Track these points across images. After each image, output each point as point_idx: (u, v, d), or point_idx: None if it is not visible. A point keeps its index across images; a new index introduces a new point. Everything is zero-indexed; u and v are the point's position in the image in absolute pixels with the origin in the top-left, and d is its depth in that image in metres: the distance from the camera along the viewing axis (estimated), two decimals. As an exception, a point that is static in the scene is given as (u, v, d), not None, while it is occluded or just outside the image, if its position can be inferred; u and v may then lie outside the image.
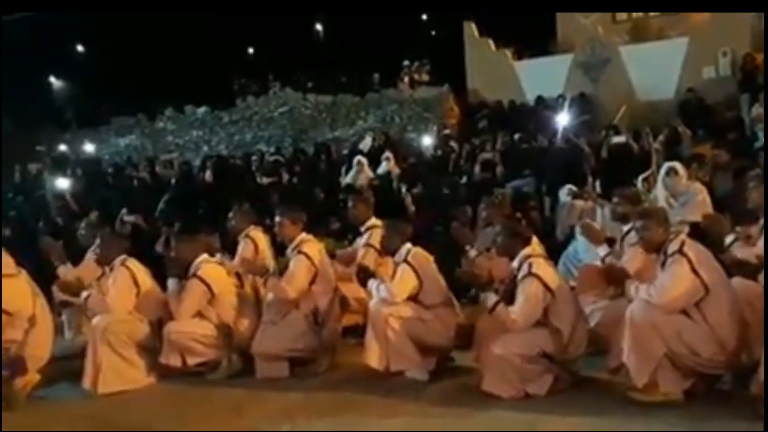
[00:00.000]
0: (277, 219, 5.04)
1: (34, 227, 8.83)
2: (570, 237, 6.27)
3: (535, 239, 4.41)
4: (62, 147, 18.15)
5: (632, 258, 4.22)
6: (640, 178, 7.25)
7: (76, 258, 5.89)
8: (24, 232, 8.18)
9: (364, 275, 4.71)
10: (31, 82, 20.21)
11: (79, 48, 23.58)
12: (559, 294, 4.06)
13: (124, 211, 8.26)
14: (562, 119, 10.45)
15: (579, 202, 7.10)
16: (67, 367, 5.11)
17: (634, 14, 17.22)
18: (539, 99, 14.98)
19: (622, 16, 17.44)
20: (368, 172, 10.11)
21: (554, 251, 5.55)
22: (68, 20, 18.93)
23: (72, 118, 20.55)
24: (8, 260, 4.84)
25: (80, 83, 21.43)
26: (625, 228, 4.62)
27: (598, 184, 8.09)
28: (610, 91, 14.69)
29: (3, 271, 4.62)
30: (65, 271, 5.65)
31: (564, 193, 7.36)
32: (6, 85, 18.09)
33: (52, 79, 22.59)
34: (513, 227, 4.34)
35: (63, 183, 10.32)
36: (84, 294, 4.98)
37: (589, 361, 4.23)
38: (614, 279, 4.19)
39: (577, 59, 15.59)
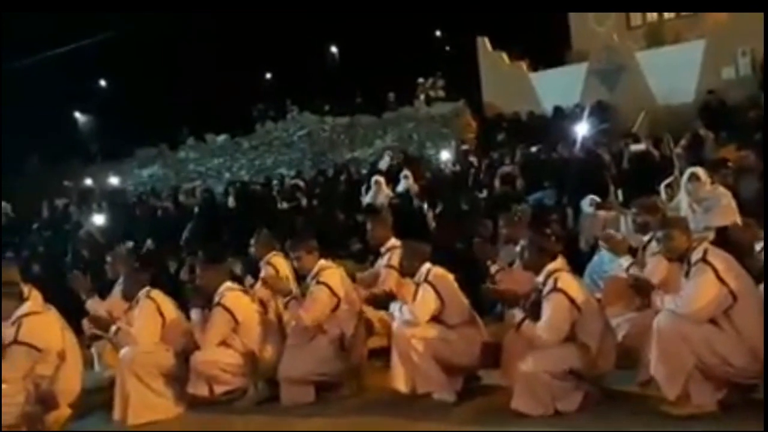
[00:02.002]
0: (292, 254, 5.04)
1: (62, 262, 8.99)
2: (594, 248, 6.20)
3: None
4: (88, 181, 18.54)
5: (655, 268, 4.15)
6: (663, 184, 7.16)
7: (104, 291, 5.99)
8: (53, 267, 8.33)
9: (381, 301, 4.69)
10: (57, 118, 20.73)
11: (102, 83, 24.14)
12: (586, 308, 4.00)
13: (149, 242, 8.38)
14: (581, 129, 10.41)
15: (602, 213, 7.04)
16: (98, 399, 5.18)
17: (649, 19, 17.14)
18: (557, 109, 14.94)
19: (636, 21, 17.38)
20: (387, 191, 10.13)
21: (578, 263, 5.49)
22: (90, 57, 19.42)
23: (96, 152, 21.00)
24: (37, 297, 4.94)
25: (103, 117, 21.93)
26: (646, 238, 4.55)
27: (620, 193, 8.01)
28: (627, 97, 14.59)
29: (32, 309, 4.71)
30: (93, 305, 5.75)
31: (586, 204, 7.30)
32: (32, 122, 18.58)
33: (77, 115, 23.14)
34: (540, 242, 4.29)
35: (98, 219, 10.52)
36: (113, 328, 5.05)
37: (618, 375, 4.16)
38: (641, 291, 4.12)
39: (592, 67, 15.54)
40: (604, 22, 17.07)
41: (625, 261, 4.45)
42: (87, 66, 20.59)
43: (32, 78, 18.47)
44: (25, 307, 4.73)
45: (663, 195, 6.90)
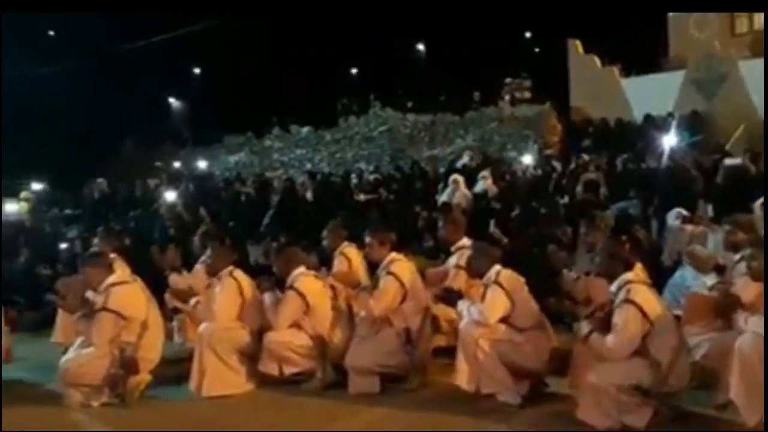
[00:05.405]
0: (366, 240, 5.13)
1: (150, 237, 9.48)
2: (678, 263, 5.95)
3: (639, 265, 4.22)
4: (178, 164, 19.44)
5: (744, 288, 3.95)
6: (758, 202, 6.77)
7: (186, 267, 6.28)
8: (141, 241, 8.79)
9: (450, 297, 4.69)
10: (153, 104, 21.82)
11: (196, 71, 25.17)
12: (659, 323, 3.86)
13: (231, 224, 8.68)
14: (671, 139, 10.00)
15: (688, 227, 6.74)
16: (176, 369, 5.42)
17: (756, 26, 16.21)
18: (647, 117, 14.38)
19: (742, 28, 16.49)
20: (464, 191, 10.07)
21: (660, 277, 5.30)
22: (187, 45, 20.31)
23: (188, 137, 21.97)
24: (124, 268, 5.25)
25: (196, 104, 22.88)
26: (737, 257, 4.33)
27: (710, 208, 7.64)
28: (726, 108, 13.86)
29: (120, 279, 5.01)
30: (176, 279, 6.04)
31: (672, 217, 7.00)
32: (129, 107, 19.66)
33: (172, 101, 24.24)
34: (614, 248, 4.18)
35: (171, 196, 11.10)
36: (193, 301, 5.30)
37: (693, 396, 4.00)
38: (725, 309, 3.94)
39: (690, 75, 14.86)
40: (705, 28, 16.28)
41: (710, 280, 4.27)
42: (184, 54, 21.52)
43: (133, 64, 19.52)
44: (114, 277, 5.03)
45: (757, 213, 6.53)
